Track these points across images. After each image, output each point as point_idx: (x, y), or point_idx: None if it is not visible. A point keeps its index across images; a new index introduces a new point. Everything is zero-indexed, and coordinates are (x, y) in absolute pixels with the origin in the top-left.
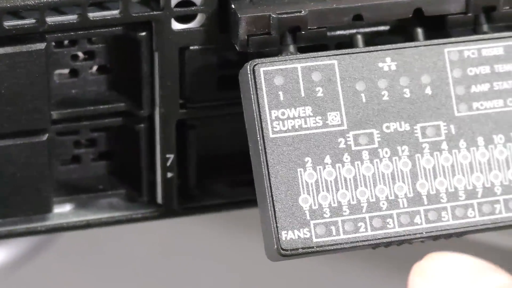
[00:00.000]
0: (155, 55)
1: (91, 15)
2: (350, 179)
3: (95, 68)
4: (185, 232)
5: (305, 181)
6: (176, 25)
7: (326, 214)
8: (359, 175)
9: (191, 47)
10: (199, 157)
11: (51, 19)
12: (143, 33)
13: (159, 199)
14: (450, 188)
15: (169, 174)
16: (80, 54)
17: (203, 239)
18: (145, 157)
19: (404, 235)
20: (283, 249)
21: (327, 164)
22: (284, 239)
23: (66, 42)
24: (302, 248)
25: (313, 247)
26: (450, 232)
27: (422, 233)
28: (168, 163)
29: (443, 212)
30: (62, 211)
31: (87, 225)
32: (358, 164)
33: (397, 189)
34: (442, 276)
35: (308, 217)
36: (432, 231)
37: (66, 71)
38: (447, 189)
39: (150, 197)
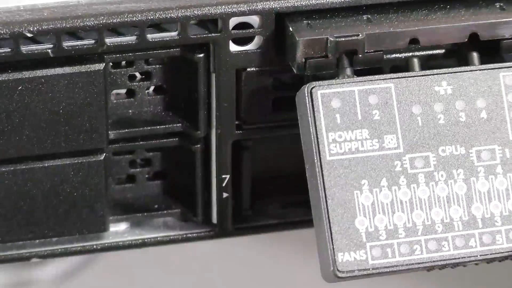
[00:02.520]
0: (212, 76)
1: (150, 36)
2: (406, 202)
3: (152, 88)
4: (238, 252)
5: (362, 203)
6: (233, 47)
7: (382, 236)
8: (415, 198)
9: (248, 69)
10: (253, 178)
11: (109, 40)
12: (201, 55)
13: (214, 219)
14: (504, 212)
15: (225, 195)
16: (137, 75)
17: (256, 259)
18: (200, 177)
19: (459, 258)
20: (339, 271)
21: (383, 186)
22: (340, 260)
23: (123, 62)
24: (358, 270)
25: (369, 269)
26: (505, 255)
27: (476, 256)
28: (224, 184)
29: (497, 235)
30: (118, 229)
31: (143, 244)
32: (414, 187)
33: (452, 212)
34: None
35: (364, 239)
36: (487, 254)
37: (123, 91)
38: (501, 213)
39: (205, 217)
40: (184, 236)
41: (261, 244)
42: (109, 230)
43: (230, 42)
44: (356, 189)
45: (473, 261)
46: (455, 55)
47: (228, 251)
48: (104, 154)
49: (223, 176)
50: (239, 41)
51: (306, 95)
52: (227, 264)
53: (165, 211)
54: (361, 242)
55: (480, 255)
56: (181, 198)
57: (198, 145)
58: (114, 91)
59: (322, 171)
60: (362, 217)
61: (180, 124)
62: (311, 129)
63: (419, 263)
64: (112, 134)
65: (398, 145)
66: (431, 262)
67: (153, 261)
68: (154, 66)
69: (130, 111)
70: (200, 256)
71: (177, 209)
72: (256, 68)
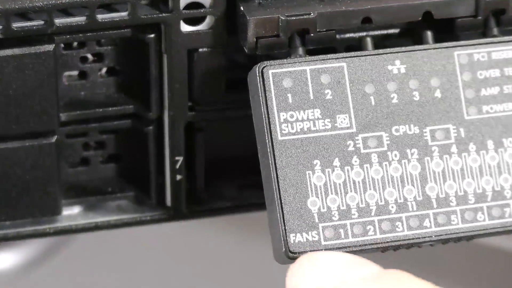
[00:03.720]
0: (163, 57)
1: (100, 16)
2: (359, 182)
3: (104, 70)
4: (193, 234)
5: (314, 183)
6: (184, 27)
7: (335, 217)
8: (368, 178)
9: (200, 49)
10: (207, 160)
11: (59, 21)
12: (152, 35)
13: (168, 202)
14: (459, 192)
15: (178, 177)
16: (89, 56)
17: (211, 241)
18: (153, 160)
19: (413, 239)
20: (291, 252)
21: (336, 167)
22: (292, 241)
23: (75, 44)
24: (311, 251)
25: (321, 250)
26: (460, 235)
27: (431, 236)
28: (177, 166)
29: (452, 215)
30: (71, 213)
31: (96, 227)
32: (367, 167)
33: (406, 192)
34: (317, 273)
35: (316, 220)
36: (442, 235)
37: (75, 73)
38: (456, 193)
39: (159, 199)
40: (138, 219)
41: (216, 227)
42: (62, 214)
43: (182, 22)
44: (308, 169)
45: (428, 241)
46: (410, 35)
47: (184, 234)
48: (56, 136)
49: (177, 158)
50: (191, 21)
51: (257, 74)
52: (183, 247)
53: (119, 194)
54: (314, 222)
55: (435, 236)
56: (135, 181)
57: (151, 127)
58: (66, 73)
59: (273, 151)
60: (314, 197)
61: (132, 106)
62: (262, 109)
63: (372, 244)
64: (63, 116)
65: (350, 124)
66: (384, 242)
67: (108, 245)
68: (106, 48)
69: (82, 93)
70: (155, 239)
71: (131, 192)
72: (208, 49)
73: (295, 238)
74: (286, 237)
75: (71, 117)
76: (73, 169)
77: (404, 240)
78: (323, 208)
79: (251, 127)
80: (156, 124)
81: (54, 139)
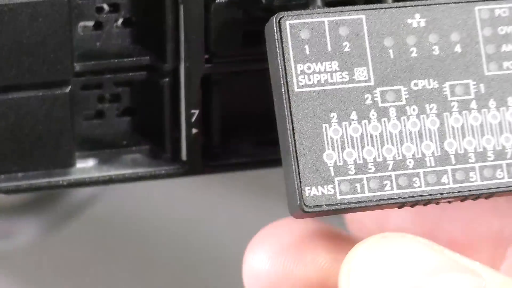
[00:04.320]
0: (180, 8)
1: None
2: (376, 136)
3: (120, 21)
4: (208, 190)
5: (330, 137)
6: None
7: (351, 171)
8: (386, 132)
9: (217, 1)
10: (224, 115)
11: None
12: None
13: (183, 156)
14: (478, 148)
15: (194, 131)
16: (105, 7)
17: (227, 197)
18: (169, 113)
19: (430, 195)
20: (306, 205)
21: (353, 120)
22: (307, 195)
23: None
24: (326, 205)
25: (337, 204)
26: (478, 192)
27: (449, 193)
28: (193, 119)
29: (471, 172)
30: (85, 166)
31: (110, 181)
32: (384, 121)
33: (424, 147)
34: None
35: (332, 174)
36: (460, 191)
37: (91, 23)
38: (475, 149)
39: (174, 153)
40: (153, 173)
41: (232, 183)
42: (75, 166)
43: None
44: (324, 122)
45: (446, 198)
46: None
47: (198, 189)
48: (69, 86)
49: (192, 111)
50: None
51: (274, 25)
52: (197, 202)
53: (134, 148)
54: (329, 176)
55: (453, 192)
56: (150, 134)
57: (166, 79)
58: (82, 23)
59: (290, 103)
60: (331, 151)
61: (148, 57)
62: (279, 60)
63: (389, 199)
64: (78, 67)
65: (368, 77)
66: (401, 198)
67: (123, 198)
68: None
69: (98, 43)
70: (170, 193)
71: (146, 146)
72: (226, 0)
73: (310, 192)
74: (301, 190)
75: (86, 67)
76: (87, 122)
77: (422, 196)
78: (339, 161)
79: (268, 82)
80: (172, 76)
81: (68, 89)
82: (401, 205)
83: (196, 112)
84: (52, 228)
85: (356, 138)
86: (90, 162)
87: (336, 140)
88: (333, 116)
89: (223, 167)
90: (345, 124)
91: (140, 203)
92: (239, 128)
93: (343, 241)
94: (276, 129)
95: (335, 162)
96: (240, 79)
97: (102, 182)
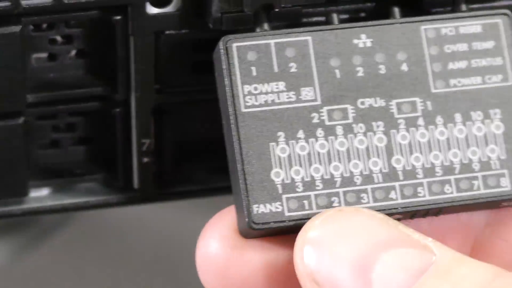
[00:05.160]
0: (130, 39)
1: None
2: (323, 154)
3: (73, 52)
4: (162, 217)
5: (278, 155)
6: (151, 9)
7: (299, 188)
8: (333, 150)
9: (167, 32)
10: (176, 143)
11: (26, 2)
12: (118, 17)
13: (135, 184)
14: (426, 164)
15: (145, 159)
16: (59, 38)
17: (180, 224)
18: (121, 142)
19: (379, 210)
20: (254, 223)
21: (300, 138)
22: (255, 212)
23: (44, 26)
24: (274, 222)
25: (285, 221)
26: (427, 207)
27: (397, 208)
28: (144, 148)
29: (419, 187)
30: (39, 194)
31: (63, 209)
32: (332, 139)
33: (371, 164)
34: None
35: (280, 191)
36: (408, 206)
37: (44, 55)
38: (423, 165)
39: (127, 182)
40: (106, 201)
41: (186, 210)
42: (29, 195)
43: (148, 4)
44: (272, 141)
45: (394, 213)
46: (376, 12)
47: (154, 217)
48: (23, 118)
49: (143, 140)
50: (157, 3)
51: (222, 47)
52: (151, 229)
53: (88, 176)
54: (277, 194)
55: (401, 208)
56: (104, 163)
57: (118, 109)
58: (35, 55)
59: (237, 123)
60: (278, 169)
61: (100, 88)
62: (226, 82)
63: None
64: (31, 98)
65: (315, 97)
66: None
67: (77, 227)
68: (75, 30)
69: (52, 74)
70: (124, 222)
71: (100, 174)
72: (175, 31)
73: (258, 209)
74: (249, 207)
75: (40, 98)
76: (43, 151)
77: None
78: (287, 179)
79: (219, 110)
80: (124, 106)
81: (21, 120)
82: None
83: (147, 141)
84: (22, 252)
85: (304, 156)
86: (44, 191)
87: (284, 158)
88: (280, 135)
89: (176, 195)
90: (292, 143)
91: (113, 223)
92: (192, 156)
93: None
94: (226, 156)
95: (282, 180)
96: (191, 108)
97: (56, 211)
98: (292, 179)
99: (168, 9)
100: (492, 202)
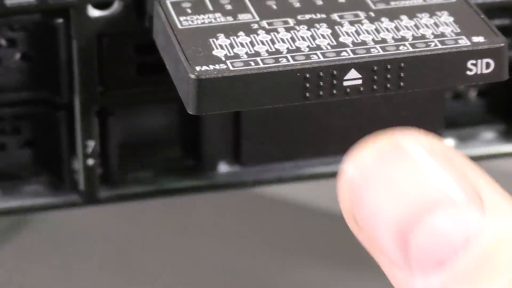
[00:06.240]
0: (73, 42)
1: (8, 2)
2: (267, 41)
3: (17, 56)
4: (110, 219)
5: (219, 44)
6: (93, 12)
7: (244, 57)
8: (277, 38)
9: (109, 34)
10: (122, 145)
11: None
12: (60, 20)
13: (81, 186)
14: (377, 39)
15: (90, 161)
16: (3, 42)
17: (126, 227)
18: (66, 145)
19: (332, 66)
20: (198, 78)
21: (241, 35)
22: (199, 69)
23: None
24: (220, 77)
25: (232, 74)
26: (383, 60)
27: (350, 63)
28: (89, 150)
29: (372, 49)
30: None
31: (10, 212)
32: (274, 34)
33: (318, 42)
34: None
35: (223, 59)
36: (362, 61)
37: None
38: (373, 39)
39: (72, 184)
40: (52, 204)
41: (132, 212)
42: None
43: (90, 6)
44: (212, 38)
45: (348, 68)
46: None
47: (101, 220)
48: None
49: (88, 142)
50: (99, 6)
51: (158, 4)
52: (96, 232)
53: (34, 179)
54: (221, 60)
55: (354, 62)
56: (50, 166)
57: (62, 112)
58: None
59: (175, 35)
60: (220, 49)
61: (44, 91)
62: (163, 20)
63: (288, 66)
64: None
65: (253, 17)
66: (303, 66)
67: (24, 230)
68: (19, 33)
69: None
70: (70, 225)
71: (46, 177)
72: (118, 33)
73: (201, 68)
74: (192, 68)
75: None
76: None
77: (322, 63)
78: (230, 53)
79: (164, 110)
80: (67, 109)
81: None
82: (301, 72)
83: (92, 143)
84: None
85: (246, 43)
86: None
87: (225, 45)
88: (220, 35)
89: (122, 197)
90: (233, 38)
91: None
92: (138, 157)
93: None
94: (174, 157)
95: (225, 55)
96: (136, 109)
97: (2, 213)
98: (236, 53)
99: (110, 11)
100: (455, 58)
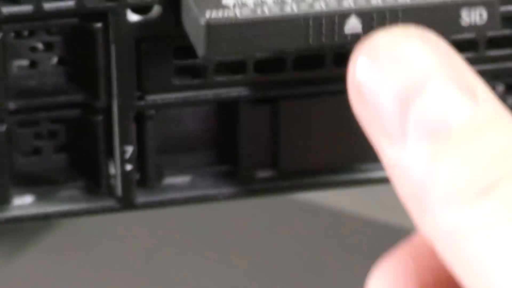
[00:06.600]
0: (111, 46)
1: (47, 6)
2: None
3: (54, 59)
4: (147, 224)
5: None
6: (132, 17)
7: (250, 5)
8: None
9: (148, 39)
10: (159, 150)
11: (7, 9)
12: (99, 25)
13: (118, 192)
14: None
15: (128, 167)
16: (40, 46)
17: (163, 232)
18: (103, 149)
19: (333, 15)
20: (208, 24)
21: None
22: (208, 16)
23: (25, 33)
24: (228, 23)
25: (239, 21)
26: (382, 9)
27: (350, 11)
28: (127, 156)
29: (372, 1)
30: (22, 202)
31: (46, 217)
32: None
33: None
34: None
35: (232, 7)
36: (362, 9)
37: (25, 62)
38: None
39: (109, 189)
40: (89, 209)
41: (169, 218)
42: (11, 203)
43: (129, 11)
44: None
45: (348, 15)
46: None
47: (138, 225)
48: (5, 125)
49: (126, 147)
50: (138, 10)
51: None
52: (132, 237)
53: (71, 184)
54: (229, 8)
55: (355, 11)
56: (86, 171)
57: (100, 116)
58: (17, 62)
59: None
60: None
61: (81, 95)
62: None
63: (292, 14)
64: (13, 105)
65: None
66: (304, 13)
67: (61, 234)
68: (56, 37)
69: (33, 82)
70: (107, 230)
71: (83, 182)
72: (156, 38)
73: (211, 14)
74: (202, 14)
75: (21, 105)
76: (25, 158)
77: (325, 12)
78: (238, 2)
79: (201, 115)
80: (105, 113)
81: (3, 127)
82: (305, 20)
83: (130, 148)
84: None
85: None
86: (27, 199)
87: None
88: None
89: (159, 203)
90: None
91: (96, 229)
92: (175, 162)
93: None
94: (212, 163)
95: (234, 4)
96: (174, 113)
97: (39, 218)
98: (243, 2)
99: (149, 16)
100: (449, 8)
